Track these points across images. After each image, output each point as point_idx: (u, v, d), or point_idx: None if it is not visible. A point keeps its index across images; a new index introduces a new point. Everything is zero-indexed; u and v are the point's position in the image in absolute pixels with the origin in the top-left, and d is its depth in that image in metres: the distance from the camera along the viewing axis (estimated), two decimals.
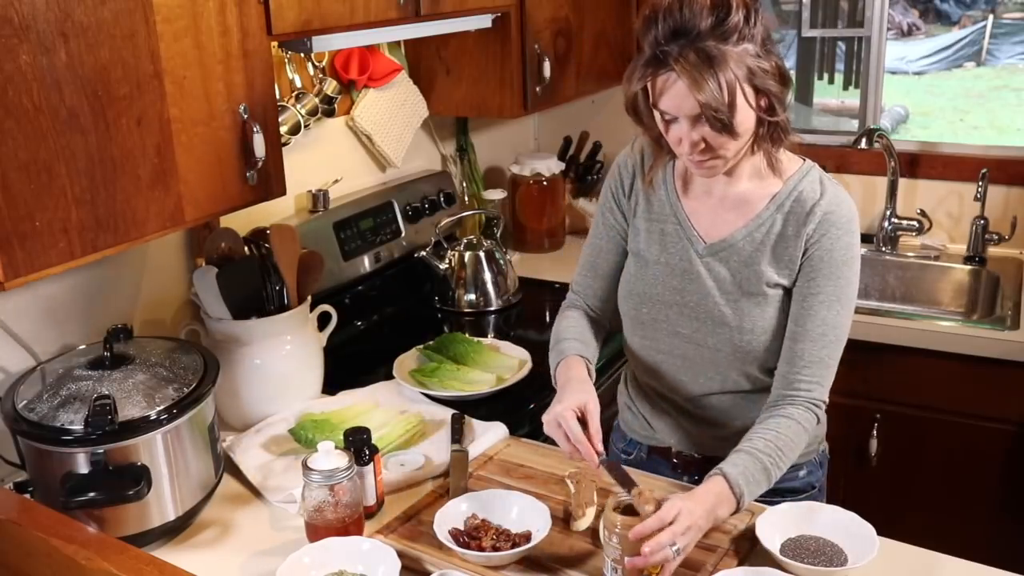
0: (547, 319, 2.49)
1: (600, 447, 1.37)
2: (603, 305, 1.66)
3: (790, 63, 4.96)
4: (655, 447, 1.66)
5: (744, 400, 1.55)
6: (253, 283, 1.80)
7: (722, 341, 1.51)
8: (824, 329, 1.43)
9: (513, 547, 1.35)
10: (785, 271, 1.47)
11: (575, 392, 1.43)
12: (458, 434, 1.69)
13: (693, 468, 1.62)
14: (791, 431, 1.42)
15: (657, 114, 1.40)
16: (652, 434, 1.65)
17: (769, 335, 1.48)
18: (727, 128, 1.35)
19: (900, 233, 2.71)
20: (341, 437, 1.52)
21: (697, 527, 1.29)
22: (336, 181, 2.27)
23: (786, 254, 1.46)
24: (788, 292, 1.47)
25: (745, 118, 1.36)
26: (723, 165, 1.42)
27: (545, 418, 1.41)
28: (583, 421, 1.39)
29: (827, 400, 1.48)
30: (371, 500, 1.50)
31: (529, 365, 1.97)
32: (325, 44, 1.78)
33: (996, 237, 2.60)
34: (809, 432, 1.44)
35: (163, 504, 1.45)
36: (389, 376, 1.96)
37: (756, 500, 1.41)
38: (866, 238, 2.63)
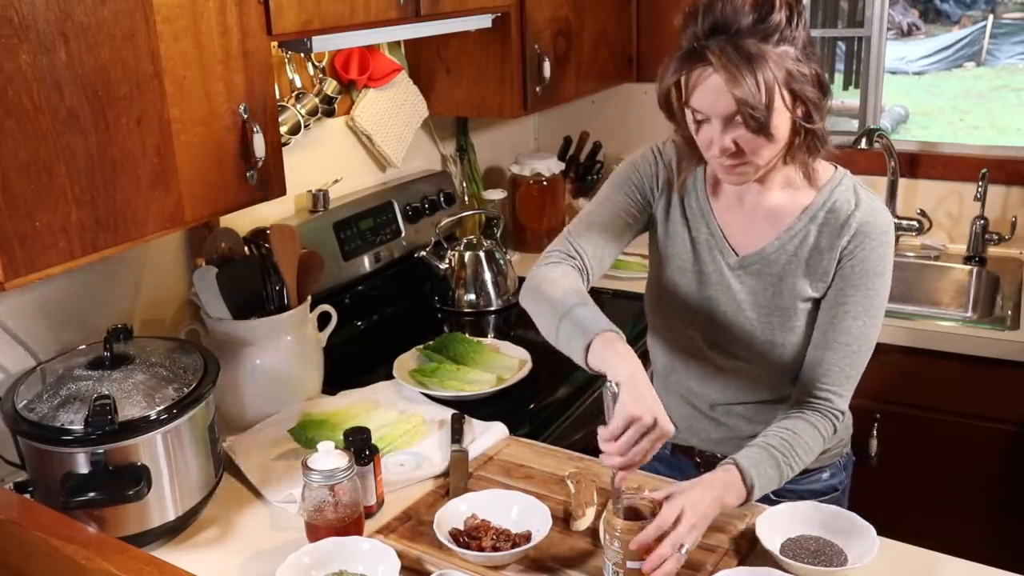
0: None
1: None
2: (598, 270, 1.52)
3: None
4: (679, 445, 1.64)
5: (769, 408, 1.52)
6: (253, 283, 1.80)
7: (753, 355, 1.49)
8: (848, 339, 1.41)
9: (513, 547, 1.35)
10: (819, 284, 1.44)
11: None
12: (458, 434, 1.69)
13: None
14: (808, 434, 1.40)
15: (689, 113, 1.35)
16: (675, 433, 1.61)
17: (799, 349, 1.47)
18: (763, 129, 1.29)
19: (900, 233, 2.70)
20: (341, 437, 1.52)
21: (703, 517, 1.27)
22: (336, 181, 2.27)
23: (820, 267, 1.43)
24: (818, 304, 1.45)
25: (781, 122, 1.31)
26: (753, 172, 1.38)
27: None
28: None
29: (846, 411, 1.46)
30: (371, 500, 1.50)
31: (529, 365, 1.96)
32: (325, 44, 1.78)
33: (996, 237, 2.60)
34: (826, 440, 1.43)
35: (163, 504, 1.45)
36: (389, 376, 1.96)
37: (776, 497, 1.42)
38: None
